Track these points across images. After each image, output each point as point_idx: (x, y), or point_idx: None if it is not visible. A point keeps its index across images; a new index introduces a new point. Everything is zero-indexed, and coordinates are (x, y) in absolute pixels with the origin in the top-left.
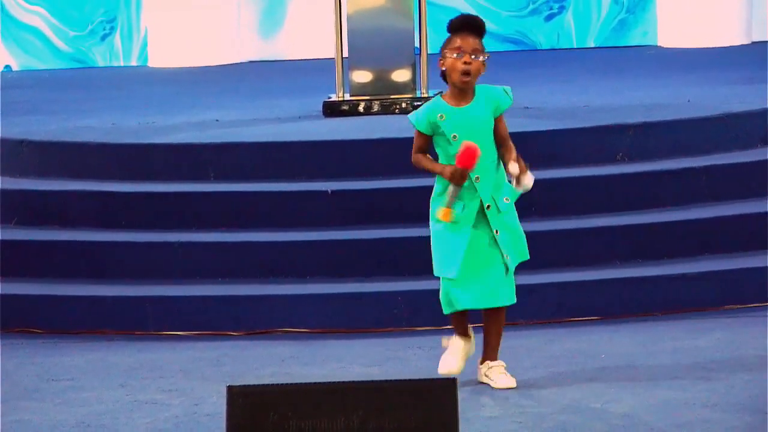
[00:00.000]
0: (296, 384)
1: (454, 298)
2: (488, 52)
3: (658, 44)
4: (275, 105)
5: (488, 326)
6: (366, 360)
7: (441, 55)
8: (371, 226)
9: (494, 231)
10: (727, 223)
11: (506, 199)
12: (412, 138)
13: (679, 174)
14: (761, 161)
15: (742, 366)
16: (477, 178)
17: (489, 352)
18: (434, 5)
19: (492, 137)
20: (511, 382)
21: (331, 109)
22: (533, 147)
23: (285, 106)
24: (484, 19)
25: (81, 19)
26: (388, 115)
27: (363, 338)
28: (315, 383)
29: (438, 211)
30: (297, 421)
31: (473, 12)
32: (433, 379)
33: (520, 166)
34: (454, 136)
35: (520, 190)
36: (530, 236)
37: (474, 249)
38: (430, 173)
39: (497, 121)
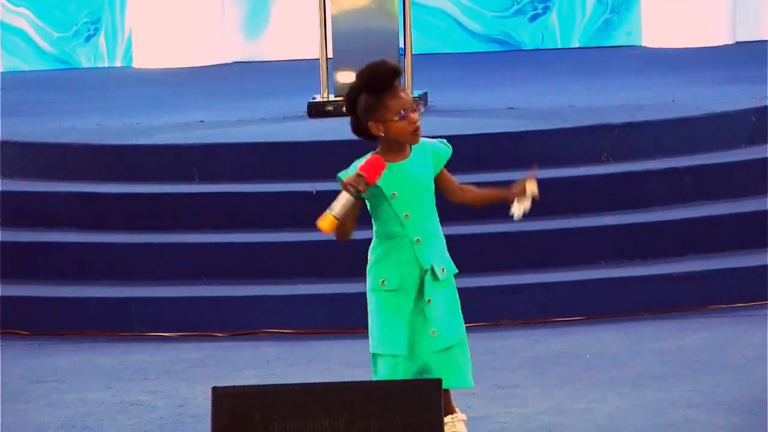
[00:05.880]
0: (281, 385)
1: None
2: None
3: (643, 44)
4: (260, 106)
5: None
6: (351, 361)
7: (372, 119)
8: (356, 227)
9: (426, 300)
10: (712, 223)
11: (443, 269)
12: None
13: (663, 174)
14: (745, 161)
15: (728, 366)
16: (418, 240)
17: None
18: (419, 6)
19: (432, 198)
20: None
21: (316, 110)
22: (517, 147)
23: (269, 107)
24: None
25: (65, 20)
26: None
27: (348, 339)
28: (300, 384)
29: (320, 219)
30: (282, 423)
31: (461, 17)
32: (417, 381)
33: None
34: (394, 194)
35: (521, 211)
36: (515, 237)
37: (412, 325)
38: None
39: (442, 175)
